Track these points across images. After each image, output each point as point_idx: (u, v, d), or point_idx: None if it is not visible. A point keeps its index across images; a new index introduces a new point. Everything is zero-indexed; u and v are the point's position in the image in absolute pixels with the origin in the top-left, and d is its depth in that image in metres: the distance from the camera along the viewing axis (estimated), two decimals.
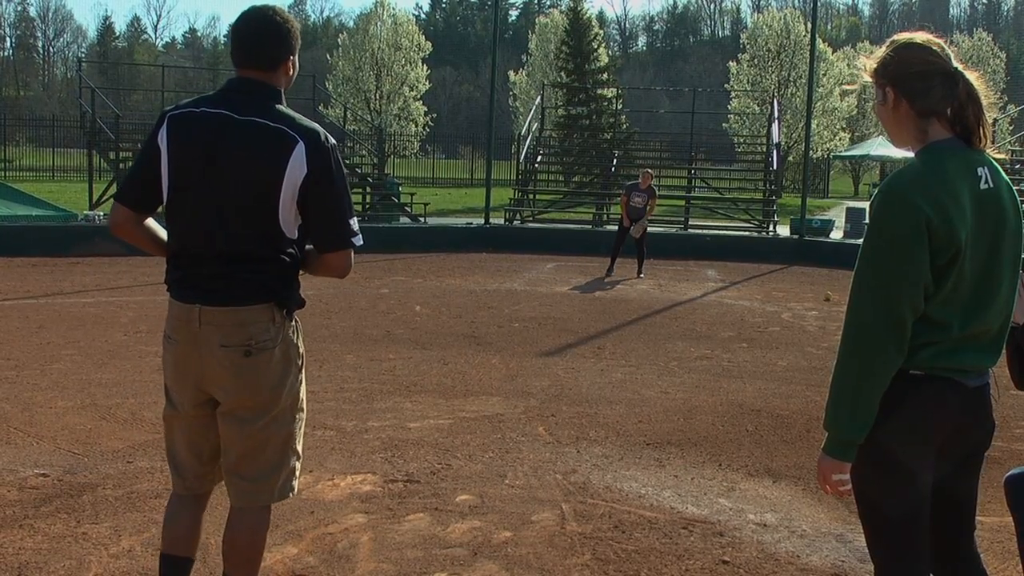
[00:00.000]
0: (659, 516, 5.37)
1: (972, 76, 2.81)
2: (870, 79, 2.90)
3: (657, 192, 18.72)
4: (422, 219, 27.20)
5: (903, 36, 2.88)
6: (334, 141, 3.47)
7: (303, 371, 3.64)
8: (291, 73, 3.53)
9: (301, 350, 3.62)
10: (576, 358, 10.10)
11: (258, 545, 3.66)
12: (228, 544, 3.63)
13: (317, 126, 3.45)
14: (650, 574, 4.60)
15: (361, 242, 3.50)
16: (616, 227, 18.58)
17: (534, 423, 7.33)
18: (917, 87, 2.79)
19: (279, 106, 3.46)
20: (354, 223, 3.48)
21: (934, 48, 2.80)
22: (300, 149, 3.35)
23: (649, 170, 19.88)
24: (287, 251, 3.46)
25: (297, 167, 3.34)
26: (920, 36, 2.85)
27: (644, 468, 6.31)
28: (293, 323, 3.56)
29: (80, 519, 5.08)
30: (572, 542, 4.93)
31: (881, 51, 2.88)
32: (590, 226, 26.95)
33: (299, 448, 3.67)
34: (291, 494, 3.69)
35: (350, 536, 4.94)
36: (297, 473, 3.68)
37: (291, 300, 3.50)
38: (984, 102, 2.81)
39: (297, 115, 3.47)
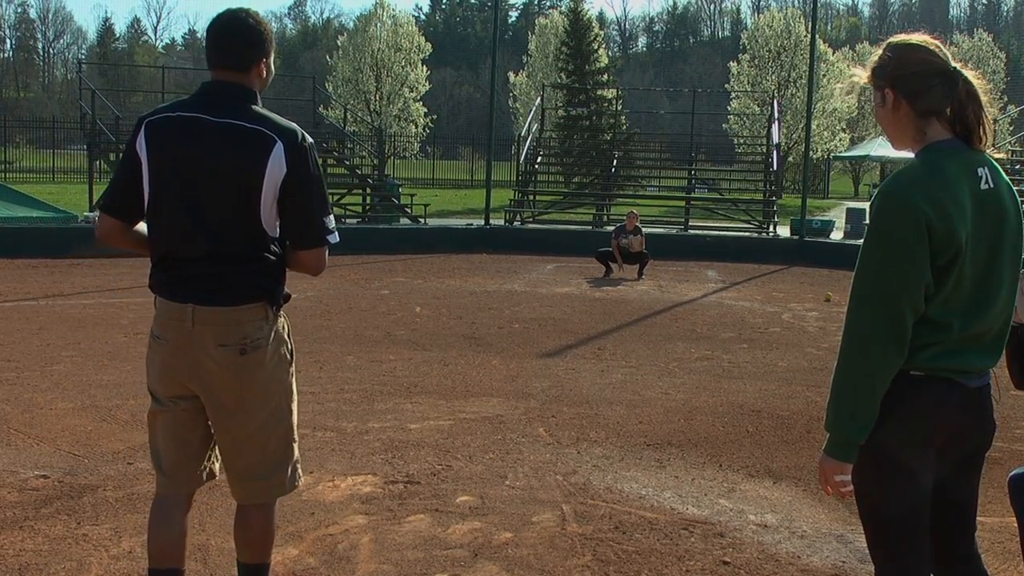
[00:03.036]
0: (660, 517, 5.37)
1: (971, 75, 2.81)
2: (867, 83, 2.90)
3: (643, 231, 18.81)
4: (422, 220, 27.21)
5: (899, 37, 2.88)
6: (311, 140, 3.52)
7: (293, 364, 3.70)
8: (264, 75, 3.56)
9: (291, 345, 3.68)
10: (576, 359, 10.10)
11: (271, 532, 3.77)
12: (243, 540, 3.73)
13: (295, 126, 3.49)
14: (651, 575, 4.60)
15: (336, 239, 3.54)
16: (608, 248, 18.61)
17: (534, 424, 7.32)
18: (917, 87, 2.78)
19: (255, 107, 3.49)
20: (329, 221, 3.52)
21: (932, 48, 2.80)
22: (279, 149, 3.39)
23: (635, 211, 20.07)
24: (271, 249, 3.50)
25: (276, 167, 3.38)
26: (916, 37, 2.85)
27: (645, 469, 6.30)
28: (283, 318, 3.63)
29: (80, 520, 5.08)
30: (573, 543, 4.93)
31: (878, 53, 2.88)
32: (590, 227, 26.92)
33: (296, 436, 3.75)
34: (299, 483, 3.78)
35: (350, 537, 4.94)
36: (299, 462, 3.76)
37: (280, 297, 3.56)
38: (984, 100, 2.81)
39: (274, 115, 3.51)
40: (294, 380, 3.71)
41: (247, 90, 3.51)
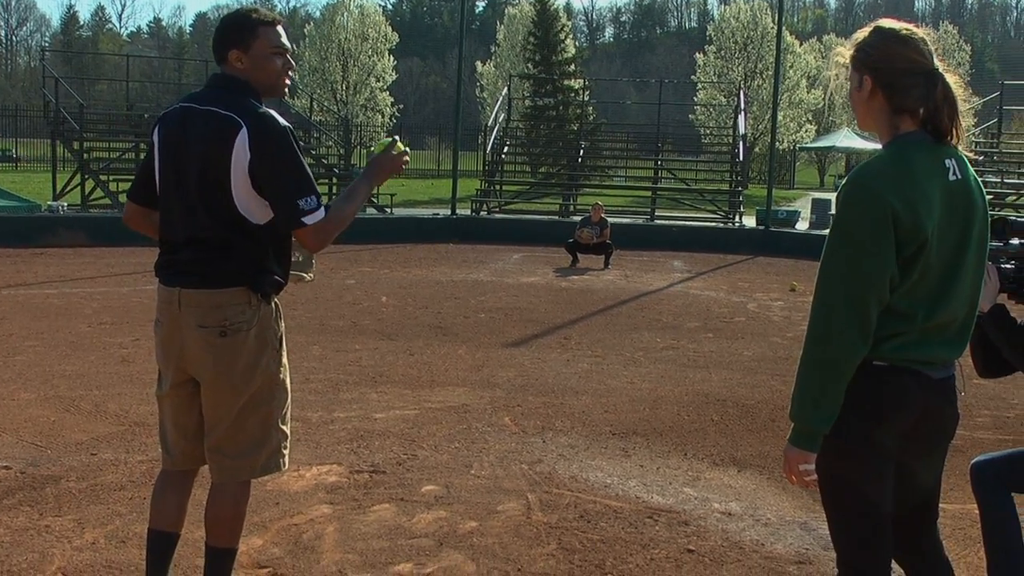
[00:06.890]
0: (624, 506, 5.38)
1: (952, 79, 2.79)
2: (846, 61, 2.87)
3: (609, 223, 18.92)
4: (388, 210, 27.10)
5: (888, 23, 2.84)
6: (285, 124, 3.55)
7: (282, 352, 3.76)
8: (239, 65, 3.61)
9: (279, 333, 3.74)
10: (542, 348, 10.11)
11: (240, 516, 3.81)
12: (212, 518, 3.78)
13: (267, 111, 3.55)
14: (615, 563, 4.61)
15: (315, 220, 3.52)
16: (572, 239, 18.57)
17: (500, 413, 7.33)
18: (898, 84, 2.77)
19: (241, 95, 3.57)
20: (305, 202, 3.50)
21: (920, 45, 2.78)
22: (243, 134, 3.46)
23: (599, 202, 20.08)
24: (253, 235, 3.56)
25: (241, 152, 3.46)
26: (905, 27, 2.82)
27: (610, 458, 6.32)
28: (272, 306, 3.69)
29: (43, 512, 5.04)
30: (538, 532, 4.94)
31: (864, 35, 2.85)
32: (557, 217, 26.92)
33: (284, 428, 3.79)
34: (277, 470, 3.83)
35: (315, 527, 4.93)
36: (284, 450, 3.81)
37: (264, 283, 3.61)
38: (960, 106, 2.80)
39: (253, 103, 3.57)
40: (284, 369, 3.77)
41: (236, 80, 3.61)
